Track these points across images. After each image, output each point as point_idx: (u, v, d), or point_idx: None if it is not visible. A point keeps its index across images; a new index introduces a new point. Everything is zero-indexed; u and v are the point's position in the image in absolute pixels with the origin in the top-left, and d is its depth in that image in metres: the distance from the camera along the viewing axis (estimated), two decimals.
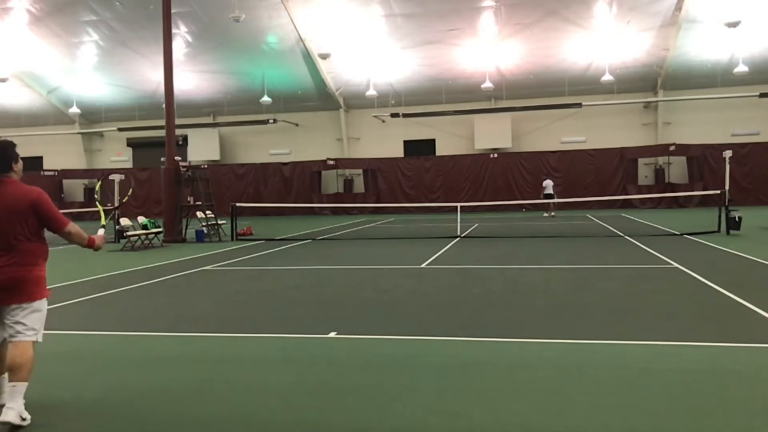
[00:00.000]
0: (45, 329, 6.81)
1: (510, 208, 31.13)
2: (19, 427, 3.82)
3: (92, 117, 37.94)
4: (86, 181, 37.79)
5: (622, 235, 16.30)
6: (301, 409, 4.12)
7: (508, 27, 27.61)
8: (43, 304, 4.08)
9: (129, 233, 16.58)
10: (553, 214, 26.20)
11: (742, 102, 30.06)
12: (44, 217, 4.03)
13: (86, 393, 4.60)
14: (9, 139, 4.30)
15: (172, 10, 19.99)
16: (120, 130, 36.63)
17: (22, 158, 4.19)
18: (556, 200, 25.49)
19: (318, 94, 33.81)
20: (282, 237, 18.82)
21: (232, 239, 18.27)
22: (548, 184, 26.35)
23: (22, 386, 3.84)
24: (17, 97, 35.58)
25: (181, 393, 4.50)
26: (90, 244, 4.31)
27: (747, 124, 30.80)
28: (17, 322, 3.93)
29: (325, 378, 4.79)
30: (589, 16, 26.78)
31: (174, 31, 24.50)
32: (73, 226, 4.16)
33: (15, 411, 3.79)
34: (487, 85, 30.33)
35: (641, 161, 31.63)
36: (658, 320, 6.48)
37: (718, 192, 16.61)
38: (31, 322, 3.97)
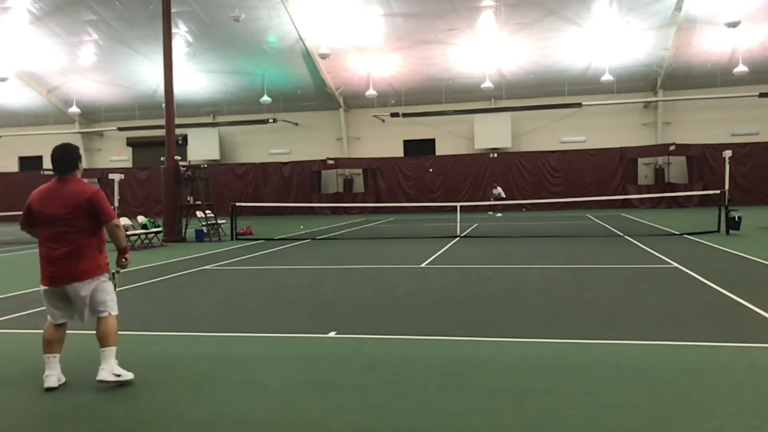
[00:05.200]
0: (43, 329, 6.84)
1: (510, 208, 31.13)
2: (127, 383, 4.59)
3: (92, 116, 37.94)
4: (86, 181, 37.73)
5: (621, 234, 16.31)
6: (301, 409, 4.12)
7: (507, 27, 27.61)
8: (101, 281, 4.70)
9: (128, 233, 16.57)
10: (500, 214, 28.39)
11: (742, 102, 30.08)
12: (96, 210, 4.64)
13: (86, 392, 4.59)
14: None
15: (172, 10, 19.98)
16: (120, 129, 36.63)
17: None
18: (502, 202, 27.36)
19: (318, 94, 33.81)
20: (282, 236, 18.82)
21: (232, 239, 18.28)
22: (499, 190, 28.89)
23: (110, 350, 4.63)
24: (17, 97, 35.58)
25: (181, 392, 4.50)
26: (125, 251, 4.95)
27: (747, 124, 30.82)
28: (86, 305, 4.64)
29: (325, 378, 4.79)
30: (588, 16, 26.79)
31: (174, 30, 24.52)
32: (120, 224, 4.82)
33: (106, 370, 4.56)
34: (487, 84, 30.34)
35: (641, 161, 31.65)
36: (658, 320, 6.47)
37: (718, 192, 16.62)
38: (97, 301, 4.67)
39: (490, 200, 28.64)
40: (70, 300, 4.67)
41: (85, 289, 4.59)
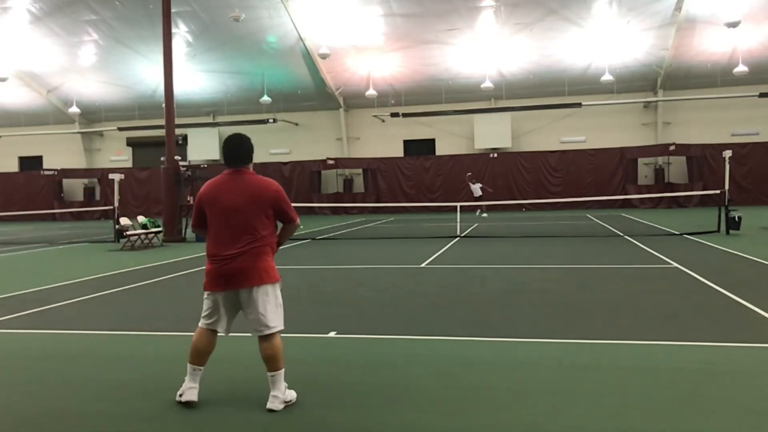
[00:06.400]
0: (45, 329, 6.87)
1: (510, 208, 31.14)
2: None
3: (92, 116, 37.92)
4: (86, 181, 37.78)
5: (621, 234, 16.31)
6: (301, 409, 4.12)
7: (507, 27, 27.60)
8: (276, 290, 4.25)
9: (129, 233, 16.58)
10: (485, 214, 27.35)
11: (742, 102, 30.06)
12: (283, 208, 4.27)
13: (86, 393, 4.60)
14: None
15: (172, 10, 19.98)
16: (120, 129, 36.61)
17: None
18: (484, 202, 26.75)
19: (318, 94, 33.80)
20: None
21: None
22: (476, 188, 28.14)
23: (279, 374, 4.15)
24: (17, 97, 35.55)
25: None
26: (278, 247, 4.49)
27: (747, 124, 30.81)
28: (255, 314, 4.14)
29: (325, 378, 4.80)
30: (588, 16, 26.78)
31: (174, 30, 24.52)
32: (299, 220, 4.45)
33: (279, 399, 4.12)
34: (487, 84, 30.32)
35: (641, 161, 31.63)
36: (658, 320, 6.48)
37: (718, 192, 16.62)
38: (268, 313, 4.15)
39: (479, 199, 28.09)
40: (239, 308, 4.22)
41: (262, 294, 4.12)
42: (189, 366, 4.28)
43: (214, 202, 4.20)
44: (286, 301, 8.27)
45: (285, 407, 4.13)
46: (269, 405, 4.09)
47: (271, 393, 4.13)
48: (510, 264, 11.24)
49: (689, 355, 5.20)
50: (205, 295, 4.26)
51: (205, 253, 4.32)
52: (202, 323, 4.29)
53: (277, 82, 32.71)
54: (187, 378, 4.28)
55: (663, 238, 15.28)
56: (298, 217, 4.39)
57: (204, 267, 4.35)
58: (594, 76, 30.22)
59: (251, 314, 4.16)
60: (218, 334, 4.31)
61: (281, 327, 4.24)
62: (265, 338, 4.17)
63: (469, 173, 29.60)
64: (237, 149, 4.28)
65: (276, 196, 4.23)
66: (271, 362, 4.15)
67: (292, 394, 4.23)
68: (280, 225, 4.44)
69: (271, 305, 4.17)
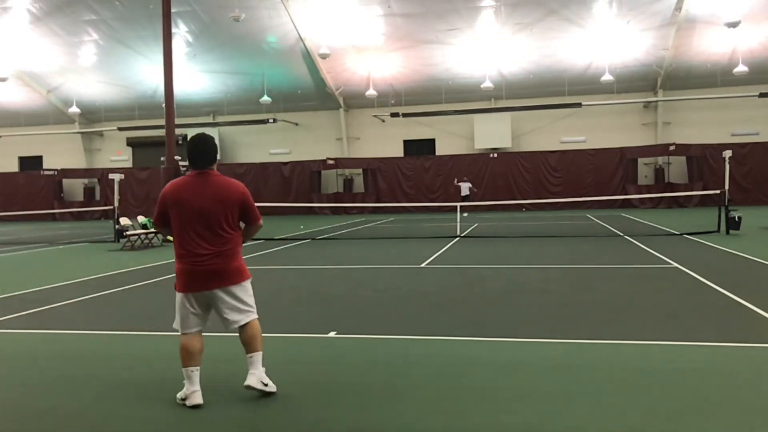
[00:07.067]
0: (45, 329, 6.87)
1: (510, 208, 31.14)
2: (270, 394, 4.31)
3: (92, 116, 37.92)
4: (86, 181, 37.77)
5: (621, 234, 16.30)
6: (300, 409, 4.12)
7: (507, 27, 27.60)
8: (248, 285, 4.41)
9: (128, 232, 16.58)
10: (465, 214, 26.64)
11: (742, 102, 30.05)
12: (248, 208, 4.35)
13: (86, 392, 4.60)
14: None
15: (172, 10, 19.97)
16: (120, 129, 36.60)
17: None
18: (473, 203, 26.38)
19: (318, 94, 33.80)
20: (282, 237, 18.81)
21: None
22: (465, 186, 27.82)
23: (258, 355, 4.30)
24: (17, 97, 35.55)
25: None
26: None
27: (747, 124, 30.81)
28: (232, 308, 4.28)
29: (325, 378, 4.80)
30: (589, 16, 26.78)
31: (174, 30, 24.51)
32: (261, 221, 4.53)
33: (255, 376, 4.26)
34: (487, 84, 30.32)
35: (641, 161, 31.62)
36: (658, 320, 6.48)
37: (718, 192, 16.62)
38: (245, 306, 4.32)
39: (465, 199, 27.66)
40: (212, 306, 4.33)
41: (236, 292, 4.26)
42: (185, 370, 4.28)
43: (179, 204, 4.23)
44: (287, 301, 8.34)
45: (283, 407, 4.13)
46: (247, 382, 4.22)
47: (250, 371, 4.25)
48: (510, 264, 11.23)
49: (689, 355, 5.20)
50: (178, 298, 4.33)
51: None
52: (182, 331, 4.35)
53: (277, 82, 32.71)
54: (186, 382, 4.27)
55: (663, 238, 15.28)
56: (261, 217, 4.48)
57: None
58: (594, 76, 30.22)
59: (228, 310, 4.28)
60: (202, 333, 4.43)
61: (256, 315, 4.40)
62: (245, 325, 4.31)
63: (463, 178, 29.69)
64: (202, 150, 4.28)
65: (242, 197, 4.30)
66: (252, 343, 4.28)
67: (272, 386, 4.32)
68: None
69: (247, 300, 4.33)
